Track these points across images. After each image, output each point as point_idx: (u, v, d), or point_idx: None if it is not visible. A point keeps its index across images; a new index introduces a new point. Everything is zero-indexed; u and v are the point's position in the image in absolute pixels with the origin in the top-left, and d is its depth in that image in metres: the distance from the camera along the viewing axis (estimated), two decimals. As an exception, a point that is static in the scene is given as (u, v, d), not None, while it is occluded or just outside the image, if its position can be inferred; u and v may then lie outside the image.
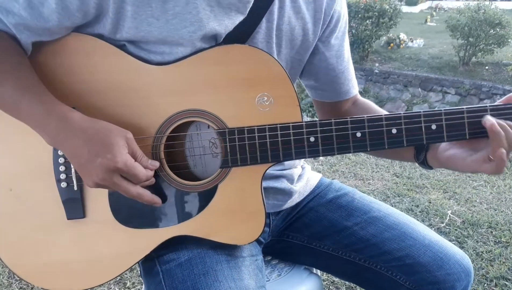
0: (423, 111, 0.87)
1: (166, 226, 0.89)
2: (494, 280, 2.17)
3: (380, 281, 1.08)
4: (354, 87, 1.12)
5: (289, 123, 0.87)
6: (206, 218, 0.89)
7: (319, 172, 2.94)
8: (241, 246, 0.95)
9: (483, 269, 2.26)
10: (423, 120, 0.87)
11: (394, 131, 0.87)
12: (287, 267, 1.20)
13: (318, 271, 1.24)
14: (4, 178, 0.88)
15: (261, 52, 0.86)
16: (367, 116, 0.87)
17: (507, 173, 3.68)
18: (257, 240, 1.00)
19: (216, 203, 0.89)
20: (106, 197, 0.88)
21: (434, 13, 16.66)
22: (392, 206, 1.87)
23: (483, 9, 8.44)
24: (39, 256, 0.90)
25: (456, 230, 2.68)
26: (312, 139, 0.87)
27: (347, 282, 2.08)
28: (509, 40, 8.37)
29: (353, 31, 9.54)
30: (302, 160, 1.20)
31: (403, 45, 10.62)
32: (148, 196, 0.83)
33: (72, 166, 0.86)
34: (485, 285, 2.14)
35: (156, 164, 0.84)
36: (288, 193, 1.11)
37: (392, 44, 10.54)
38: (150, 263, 0.95)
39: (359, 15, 9.45)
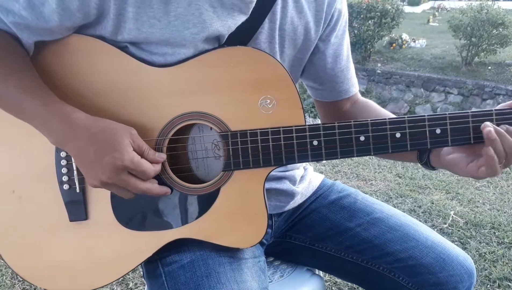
0: (428, 115, 0.86)
1: (168, 229, 0.89)
2: (497, 281, 2.16)
3: (382, 282, 1.08)
4: (354, 86, 1.12)
5: (292, 127, 0.86)
6: (209, 221, 0.89)
7: (322, 173, 2.94)
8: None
9: (486, 270, 2.25)
10: (428, 124, 0.86)
11: (398, 135, 0.87)
12: (289, 268, 1.20)
13: (321, 272, 1.24)
14: (6, 180, 0.89)
15: (264, 54, 0.86)
16: (370, 120, 0.87)
17: (510, 173, 3.67)
18: (260, 242, 1.00)
19: (218, 206, 0.89)
20: (108, 199, 0.88)
21: (436, 13, 16.63)
22: (395, 207, 1.86)
23: (486, 9, 8.43)
24: (41, 258, 0.90)
25: (458, 231, 2.67)
26: (315, 142, 0.87)
27: (349, 283, 2.07)
28: (512, 40, 8.35)
29: (355, 31, 9.54)
30: (305, 161, 1.19)
31: (405, 45, 10.61)
32: (157, 188, 0.83)
33: (74, 168, 0.86)
34: (488, 286, 2.13)
35: (163, 156, 0.84)
36: (291, 195, 1.11)
37: (394, 45, 10.53)
38: (153, 265, 0.95)
39: (361, 16, 9.46)
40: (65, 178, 0.87)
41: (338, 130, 0.86)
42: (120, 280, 2.08)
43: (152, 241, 0.90)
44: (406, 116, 0.87)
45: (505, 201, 3.14)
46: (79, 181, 0.87)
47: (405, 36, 10.70)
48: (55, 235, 0.89)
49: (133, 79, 0.85)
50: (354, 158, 3.93)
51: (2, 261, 2.14)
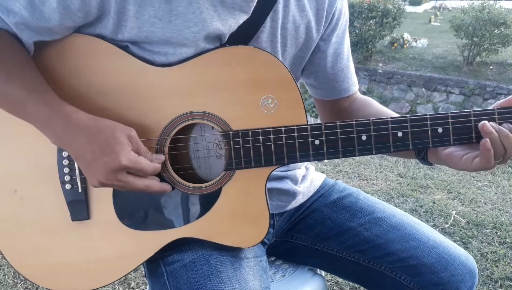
0: (430, 114, 0.86)
1: (170, 228, 0.89)
2: (499, 281, 2.16)
3: (384, 282, 1.07)
4: (354, 84, 1.12)
5: (293, 126, 0.86)
6: (210, 220, 0.89)
7: (323, 172, 2.94)
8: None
9: (487, 269, 2.25)
10: (429, 123, 0.86)
11: (400, 134, 0.87)
12: (291, 267, 1.20)
13: (322, 271, 1.24)
14: (9, 180, 0.89)
15: (266, 53, 0.86)
16: (372, 119, 0.87)
17: None
18: (261, 241, 1.00)
19: (220, 206, 0.89)
20: (111, 198, 0.88)
21: (438, 12, 16.60)
22: (396, 206, 1.86)
23: (488, 9, 8.41)
24: (43, 257, 0.90)
25: (460, 230, 2.67)
26: (317, 142, 0.87)
27: (351, 283, 2.07)
28: (514, 39, 8.33)
29: (357, 31, 9.53)
30: (306, 161, 1.19)
31: (407, 45, 10.59)
32: (157, 185, 0.83)
33: (76, 168, 0.86)
34: (490, 286, 2.13)
35: (161, 157, 0.84)
36: (292, 194, 1.11)
37: (396, 44, 10.52)
38: (155, 264, 0.95)
39: (363, 15, 9.44)
40: (67, 178, 0.87)
41: (340, 129, 0.86)
42: (122, 279, 2.08)
43: (154, 240, 0.90)
44: (408, 115, 0.87)
45: (507, 201, 3.14)
46: (81, 180, 0.87)
47: (406, 35, 10.68)
48: (57, 234, 0.90)
49: (135, 80, 0.85)
50: (356, 157, 3.94)
51: (4, 260, 2.15)
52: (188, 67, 0.85)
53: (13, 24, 0.79)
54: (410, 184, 3.38)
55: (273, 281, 1.14)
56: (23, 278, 2.05)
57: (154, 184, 0.83)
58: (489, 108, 0.88)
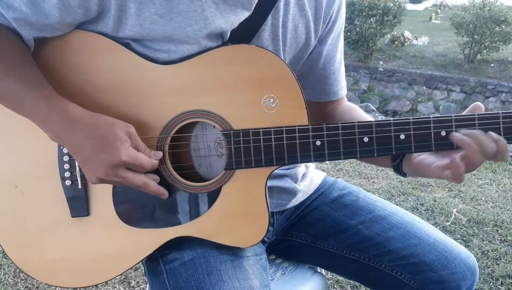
0: (433, 117, 0.85)
1: (169, 227, 0.89)
2: (500, 279, 2.15)
3: (384, 280, 1.07)
4: (343, 89, 1.12)
5: (295, 126, 0.86)
6: (210, 219, 0.89)
7: (323, 170, 2.94)
8: (245, 246, 0.95)
9: (488, 267, 2.25)
10: (433, 126, 0.85)
11: (402, 136, 0.85)
12: (291, 266, 1.20)
13: (323, 270, 1.24)
14: (9, 175, 0.89)
15: (268, 53, 0.85)
16: (375, 121, 0.86)
17: (513, 171, 3.67)
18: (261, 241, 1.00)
19: (219, 205, 0.88)
20: (110, 195, 0.88)
21: (438, 10, 16.58)
22: (397, 204, 1.86)
23: (488, 6, 8.41)
24: (44, 253, 0.90)
25: (461, 228, 2.67)
26: (318, 143, 0.86)
27: (351, 281, 2.07)
28: (515, 37, 8.33)
29: (357, 29, 9.53)
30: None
31: (408, 43, 10.59)
32: (155, 186, 0.83)
33: (76, 164, 0.86)
34: (491, 284, 2.13)
35: (159, 154, 0.84)
36: (292, 192, 1.10)
37: (396, 42, 10.51)
38: (154, 262, 0.95)
39: (363, 13, 9.43)
40: (67, 174, 0.87)
41: (342, 130, 0.86)
42: (122, 278, 2.08)
43: (153, 238, 0.90)
44: (411, 117, 0.86)
45: (507, 199, 3.14)
46: (81, 177, 0.87)
47: (407, 33, 10.67)
48: (57, 230, 0.90)
49: (137, 77, 0.85)
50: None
51: (4, 259, 2.15)
52: (190, 65, 0.85)
53: (13, 20, 0.79)
54: (411, 182, 3.38)
55: (273, 280, 1.14)
56: (23, 277, 2.06)
57: (152, 184, 0.83)
58: (494, 112, 0.85)
